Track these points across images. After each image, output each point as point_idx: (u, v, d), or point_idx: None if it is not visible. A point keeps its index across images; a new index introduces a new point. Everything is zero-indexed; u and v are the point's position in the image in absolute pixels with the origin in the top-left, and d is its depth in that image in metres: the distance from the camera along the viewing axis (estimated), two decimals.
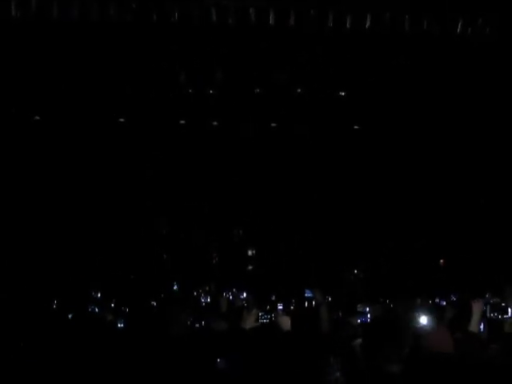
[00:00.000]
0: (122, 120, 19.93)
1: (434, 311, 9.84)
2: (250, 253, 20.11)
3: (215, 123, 20.41)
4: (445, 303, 13.67)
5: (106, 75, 17.42)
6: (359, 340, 7.05)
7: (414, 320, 8.54)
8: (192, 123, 20.49)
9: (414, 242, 19.18)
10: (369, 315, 10.85)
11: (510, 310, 10.19)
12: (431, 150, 19.30)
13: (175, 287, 18.50)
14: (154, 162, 20.39)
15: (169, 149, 20.45)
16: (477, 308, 7.58)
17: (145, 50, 16.33)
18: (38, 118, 19.55)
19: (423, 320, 8.56)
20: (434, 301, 13.97)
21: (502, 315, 10.10)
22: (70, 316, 10.52)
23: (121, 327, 9.92)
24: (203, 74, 17.77)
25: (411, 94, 17.75)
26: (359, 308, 11.92)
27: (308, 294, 14.43)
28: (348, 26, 13.60)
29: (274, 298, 14.80)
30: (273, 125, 20.25)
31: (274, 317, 7.93)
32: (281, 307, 13.04)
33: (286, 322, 7.61)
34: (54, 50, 16.04)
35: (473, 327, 7.45)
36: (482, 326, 8.45)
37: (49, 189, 19.42)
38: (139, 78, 17.73)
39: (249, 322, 7.60)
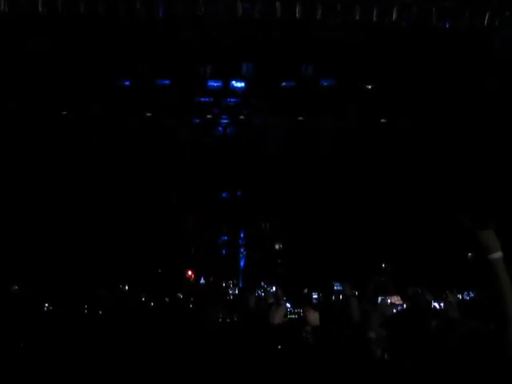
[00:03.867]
0: (148, 114, 20.08)
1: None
2: (277, 247, 20.11)
3: (242, 117, 20.48)
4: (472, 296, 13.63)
5: (134, 70, 17.53)
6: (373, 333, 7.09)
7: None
8: (218, 117, 20.59)
9: (442, 235, 19.07)
10: (405, 305, 10.87)
11: None
12: (459, 140, 19.19)
13: (202, 280, 18.56)
14: (184, 156, 20.51)
15: (197, 144, 20.55)
16: None
17: (172, 46, 16.36)
18: (65, 112, 19.74)
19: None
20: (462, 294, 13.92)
21: None
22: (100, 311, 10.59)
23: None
24: (229, 67, 17.79)
25: (438, 87, 17.67)
26: (381, 300, 11.92)
27: (337, 287, 14.37)
28: (375, 18, 13.53)
29: (304, 291, 14.77)
30: (300, 118, 20.26)
31: (303, 312, 7.91)
32: (315, 296, 13.02)
33: (314, 317, 7.60)
34: (81, 45, 16.14)
35: None
36: None
37: (78, 182, 19.55)
38: (166, 72, 17.82)
39: (277, 318, 7.56)
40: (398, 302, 11.36)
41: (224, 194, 21.18)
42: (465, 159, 19.10)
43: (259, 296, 13.17)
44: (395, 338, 6.45)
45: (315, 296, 12.96)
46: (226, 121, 20.59)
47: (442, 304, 11.23)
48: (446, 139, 19.27)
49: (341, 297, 12.80)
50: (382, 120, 20.11)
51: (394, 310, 10.13)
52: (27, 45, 15.86)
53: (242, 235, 20.91)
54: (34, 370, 6.76)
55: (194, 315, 10.76)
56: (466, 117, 18.44)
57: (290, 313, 7.83)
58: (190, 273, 18.56)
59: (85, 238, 18.76)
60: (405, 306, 10.93)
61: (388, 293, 12.82)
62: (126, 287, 15.87)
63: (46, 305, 10.74)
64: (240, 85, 18.84)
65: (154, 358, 7.28)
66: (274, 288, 14.60)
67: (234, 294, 16.03)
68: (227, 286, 17.39)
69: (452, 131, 19.11)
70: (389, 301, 11.67)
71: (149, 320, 9.93)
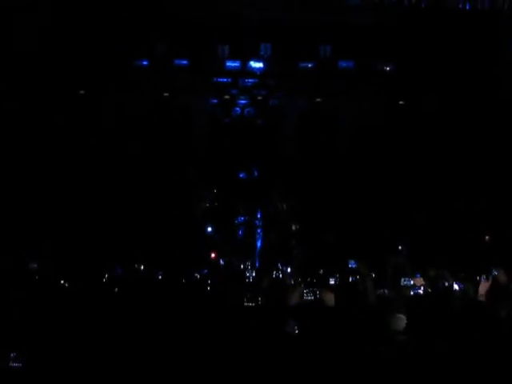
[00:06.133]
0: (166, 94, 20.11)
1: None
2: (293, 227, 20.06)
3: (259, 98, 20.46)
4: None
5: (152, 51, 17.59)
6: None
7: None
8: (236, 97, 20.60)
9: (459, 217, 18.97)
10: (422, 288, 10.81)
11: None
12: (479, 120, 19.04)
13: (221, 262, 18.55)
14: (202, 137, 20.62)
15: (215, 124, 20.66)
16: None
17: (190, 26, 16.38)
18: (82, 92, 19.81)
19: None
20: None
21: None
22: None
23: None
24: (249, 49, 17.82)
25: (454, 69, 17.58)
26: (404, 282, 11.83)
27: (351, 265, 14.21)
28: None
29: (321, 272, 14.69)
30: (318, 100, 20.22)
31: (319, 293, 7.90)
32: (332, 281, 12.96)
33: (329, 298, 7.57)
34: (100, 25, 16.19)
35: None
36: None
37: (94, 159, 19.59)
38: (184, 53, 17.87)
39: (293, 299, 7.55)
40: (419, 284, 11.29)
41: (241, 175, 21.16)
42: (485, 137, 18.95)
43: (276, 277, 13.14)
44: (416, 320, 6.46)
45: (332, 282, 12.88)
46: (243, 101, 20.57)
47: (461, 285, 11.18)
48: (464, 122, 19.14)
49: (357, 277, 12.76)
50: (401, 102, 20.01)
51: (412, 293, 10.08)
52: (47, 22, 15.93)
53: (258, 216, 20.88)
54: (51, 346, 6.81)
55: (213, 297, 10.76)
56: (484, 98, 18.31)
57: (306, 294, 7.80)
58: (213, 255, 18.51)
59: (101, 217, 18.78)
60: (422, 288, 10.87)
61: (407, 275, 12.74)
62: (142, 267, 15.83)
63: (62, 281, 10.78)
64: (258, 65, 18.83)
65: (170, 339, 7.30)
66: (289, 269, 14.60)
67: (251, 276, 16.01)
68: (245, 268, 17.38)
69: (471, 113, 18.97)
70: (412, 282, 11.60)
71: (164, 300, 9.94)
